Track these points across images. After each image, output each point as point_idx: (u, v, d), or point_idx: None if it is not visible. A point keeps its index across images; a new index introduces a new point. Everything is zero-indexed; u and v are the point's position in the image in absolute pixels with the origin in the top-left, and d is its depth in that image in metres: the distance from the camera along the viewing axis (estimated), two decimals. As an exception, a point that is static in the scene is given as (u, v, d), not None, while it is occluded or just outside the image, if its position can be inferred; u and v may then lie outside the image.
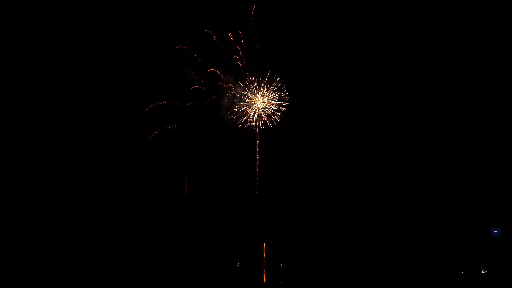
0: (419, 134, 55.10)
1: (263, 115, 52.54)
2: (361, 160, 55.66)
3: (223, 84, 51.96)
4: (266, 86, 51.81)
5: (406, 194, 54.86)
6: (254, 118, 52.63)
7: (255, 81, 51.61)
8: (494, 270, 51.49)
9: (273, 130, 52.79)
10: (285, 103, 52.18)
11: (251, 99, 52.39)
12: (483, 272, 52.18)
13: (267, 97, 52.19)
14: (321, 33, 52.38)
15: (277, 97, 52.12)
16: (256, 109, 52.53)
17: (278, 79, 51.42)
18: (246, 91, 52.02)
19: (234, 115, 52.67)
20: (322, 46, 52.68)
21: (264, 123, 52.74)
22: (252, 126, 52.79)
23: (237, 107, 52.61)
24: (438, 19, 51.87)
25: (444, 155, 54.63)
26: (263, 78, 51.53)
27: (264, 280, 53.93)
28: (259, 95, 51.90)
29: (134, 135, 52.81)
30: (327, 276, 53.17)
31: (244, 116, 52.83)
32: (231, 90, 52.18)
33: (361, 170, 55.82)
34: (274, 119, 52.46)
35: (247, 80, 51.89)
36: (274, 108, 52.20)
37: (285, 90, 51.87)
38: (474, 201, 53.35)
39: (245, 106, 52.60)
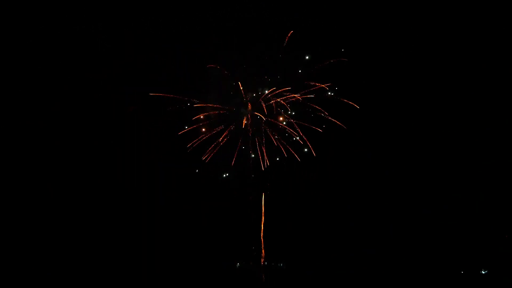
0: (419, 134, 55.22)
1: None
2: (360, 159, 55.65)
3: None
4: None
5: (405, 193, 54.94)
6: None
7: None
8: (494, 270, 51.55)
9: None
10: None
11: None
12: (483, 272, 52.20)
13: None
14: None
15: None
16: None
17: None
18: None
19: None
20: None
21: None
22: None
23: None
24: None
25: (444, 155, 54.75)
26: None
27: (263, 280, 53.91)
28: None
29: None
30: (328, 276, 53.17)
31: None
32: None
33: (359, 169, 55.86)
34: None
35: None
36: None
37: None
38: (474, 201, 53.45)
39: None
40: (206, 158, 51.36)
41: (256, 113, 51.62)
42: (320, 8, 52.57)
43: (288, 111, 51.20)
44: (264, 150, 51.86)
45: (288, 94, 51.07)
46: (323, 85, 50.52)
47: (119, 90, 52.85)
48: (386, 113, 54.80)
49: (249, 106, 51.89)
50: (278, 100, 51.16)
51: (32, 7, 50.81)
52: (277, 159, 51.96)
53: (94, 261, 51.13)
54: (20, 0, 50.55)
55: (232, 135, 52.09)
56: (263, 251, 53.85)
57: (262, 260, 53.83)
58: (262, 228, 53.93)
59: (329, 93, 51.20)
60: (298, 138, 51.04)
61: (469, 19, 51.22)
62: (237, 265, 55.72)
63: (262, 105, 51.13)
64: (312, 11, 52.33)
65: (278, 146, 51.39)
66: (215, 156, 51.55)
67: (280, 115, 51.73)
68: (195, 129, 51.54)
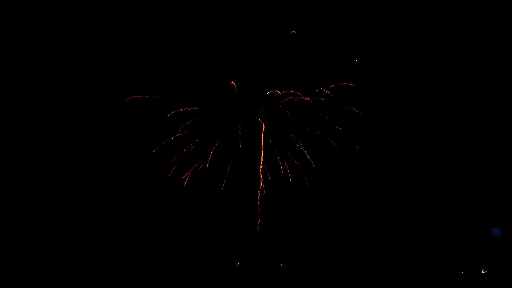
0: (418, 134, 55.18)
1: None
2: (358, 160, 55.62)
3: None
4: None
5: (405, 194, 54.93)
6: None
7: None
8: (494, 270, 51.55)
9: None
10: None
11: None
12: (483, 272, 52.22)
13: None
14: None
15: None
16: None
17: None
18: None
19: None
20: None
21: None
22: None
23: None
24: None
25: (444, 154, 54.70)
26: None
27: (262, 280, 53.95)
28: None
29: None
30: (328, 276, 53.17)
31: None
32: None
33: (359, 169, 55.81)
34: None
35: None
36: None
37: None
38: (474, 201, 53.43)
39: None
40: (186, 181, 50.75)
41: (256, 117, 51.30)
42: (320, 8, 52.58)
43: (291, 118, 50.66)
44: (265, 169, 51.34)
45: (290, 97, 50.76)
46: (323, 87, 50.33)
47: (119, 90, 52.89)
48: (386, 116, 54.96)
49: (247, 109, 51.83)
50: (277, 104, 50.98)
51: (33, 8, 50.91)
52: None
53: (96, 261, 51.24)
54: (20, 1, 50.65)
55: (223, 150, 51.76)
56: (259, 251, 53.89)
57: (259, 260, 53.88)
58: (258, 229, 53.88)
59: (333, 98, 50.54)
60: (304, 150, 50.34)
61: (470, 22, 51.25)
62: (237, 265, 55.76)
63: (261, 109, 50.98)
64: (312, 11, 52.35)
65: (282, 165, 50.52)
66: (200, 177, 51.03)
67: (281, 122, 51.15)
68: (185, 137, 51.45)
